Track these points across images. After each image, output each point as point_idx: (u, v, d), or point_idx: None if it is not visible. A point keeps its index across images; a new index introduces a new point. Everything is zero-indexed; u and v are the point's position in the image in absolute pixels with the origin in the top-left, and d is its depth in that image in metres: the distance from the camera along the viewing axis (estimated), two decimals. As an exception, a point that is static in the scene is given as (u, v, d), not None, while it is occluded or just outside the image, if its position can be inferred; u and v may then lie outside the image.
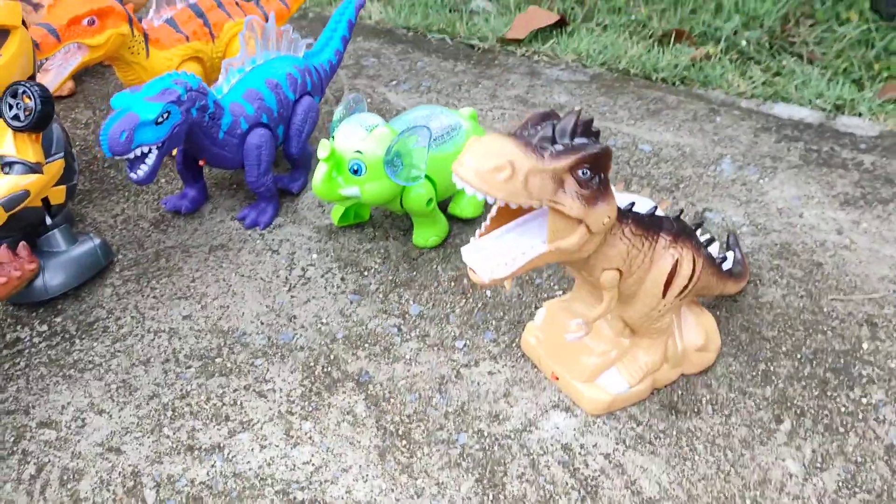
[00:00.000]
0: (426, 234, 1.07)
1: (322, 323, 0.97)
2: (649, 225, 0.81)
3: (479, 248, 0.76)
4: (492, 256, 0.75)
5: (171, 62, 1.17)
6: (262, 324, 0.97)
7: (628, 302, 0.83)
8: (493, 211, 0.77)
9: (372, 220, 1.13)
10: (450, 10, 1.64)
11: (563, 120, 0.72)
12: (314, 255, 1.07)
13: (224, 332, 0.96)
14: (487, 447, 0.84)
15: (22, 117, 0.88)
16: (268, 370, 0.92)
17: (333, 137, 0.95)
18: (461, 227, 1.11)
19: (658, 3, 1.67)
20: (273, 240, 1.10)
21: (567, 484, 0.81)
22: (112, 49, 1.09)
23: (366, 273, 1.04)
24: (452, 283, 1.03)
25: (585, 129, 0.73)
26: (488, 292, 1.02)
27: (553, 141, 0.71)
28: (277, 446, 0.84)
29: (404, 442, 0.84)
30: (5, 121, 0.89)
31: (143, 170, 0.97)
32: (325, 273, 1.05)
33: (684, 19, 1.63)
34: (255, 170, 1.08)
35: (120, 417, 0.87)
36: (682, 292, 0.83)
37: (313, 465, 0.82)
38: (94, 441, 0.84)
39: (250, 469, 0.82)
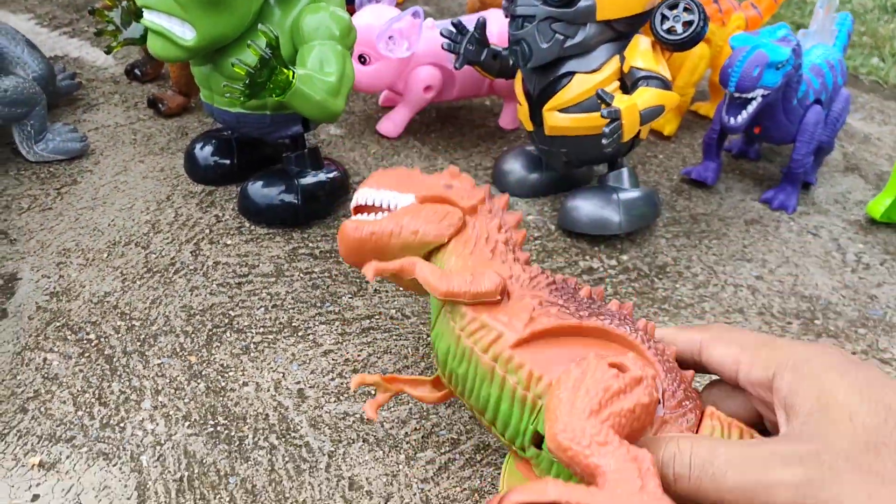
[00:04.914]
0: None
1: (913, 306, 0.89)
2: None
3: None
4: None
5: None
6: (842, 297, 0.90)
7: None
8: None
9: (905, 222, 1.05)
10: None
11: None
12: (859, 245, 1.00)
13: (807, 298, 0.89)
14: None
15: (679, 30, 0.85)
16: (876, 341, 0.83)
17: None
18: None
19: None
20: (805, 224, 1.03)
21: None
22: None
23: (928, 269, 0.96)
24: None
25: None
26: None
27: None
28: None
29: None
30: (656, 33, 0.86)
31: (742, 116, 0.93)
32: (882, 263, 0.97)
33: None
34: (806, 147, 1.02)
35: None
36: None
37: None
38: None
39: None
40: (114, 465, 0.61)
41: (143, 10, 0.80)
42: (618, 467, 0.38)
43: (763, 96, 0.93)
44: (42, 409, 0.66)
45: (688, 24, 0.85)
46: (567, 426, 0.41)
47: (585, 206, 0.93)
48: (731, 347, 0.47)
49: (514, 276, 0.53)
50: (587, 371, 0.44)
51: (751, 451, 0.39)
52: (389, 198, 0.59)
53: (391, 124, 1.12)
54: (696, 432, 0.47)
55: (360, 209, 0.61)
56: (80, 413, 0.66)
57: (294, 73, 0.77)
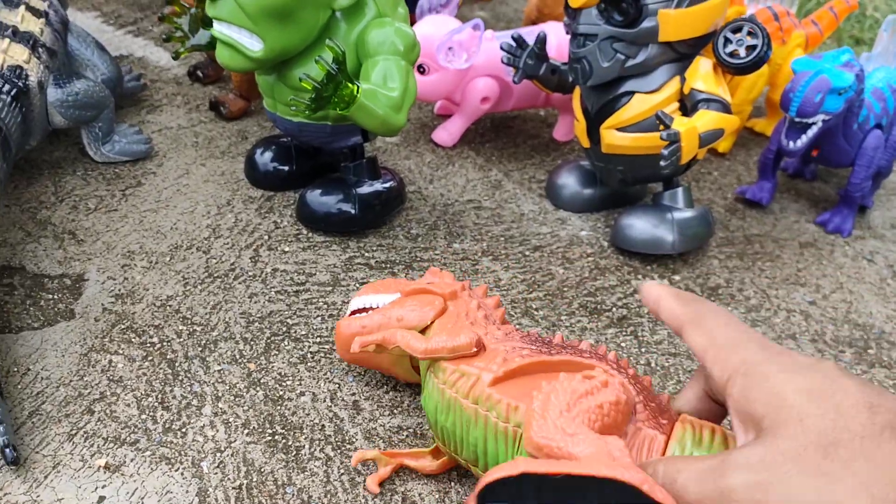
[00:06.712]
0: None
1: (966, 339, 0.88)
2: None
3: None
4: None
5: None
6: (897, 326, 0.89)
7: None
8: None
9: (961, 251, 1.04)
10: None
11: None
12: (916, 273, 0.99)
13: (861, 326, 0.88)
14: None
15: (742, 54, 0.85)
16: (934, 373, 0.83)
17: None
18: None
19: None
20: (861, 249, 1.02)
21: None
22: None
23: None
24: None
25: None
26: None
27: None
28: None
29: None
30: (718, 56, 0.86)
31: (801, 140, 0.92)
32: (940, 292, 0.96)
33: None
34: (864, 171, 1.01)
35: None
36: None
37: None
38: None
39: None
40: (176, 471, 0.63)
41: (214, 21, 0.82)
42: (590, 450, 0.42)
43: (824, 121, 0.92)
44: (108, 411, 0.68)
45: (751, 48, 0.85)
46: (540, 427, 0.45)
47: (639, 225, 0.93)
48: (702, 338, 0.46)
49: (490, 334, 0.58)
50: (556, 384, 0.48)
51: (707, 463, 0.41)
52: (379, 300, 0.67)
53: (446, 134, 1.13)
54: (668, 440, 0.49)
55: (354, 314, 0.68)
56: (143, 416, 0.68)
57: (358, 87, 0.78)
